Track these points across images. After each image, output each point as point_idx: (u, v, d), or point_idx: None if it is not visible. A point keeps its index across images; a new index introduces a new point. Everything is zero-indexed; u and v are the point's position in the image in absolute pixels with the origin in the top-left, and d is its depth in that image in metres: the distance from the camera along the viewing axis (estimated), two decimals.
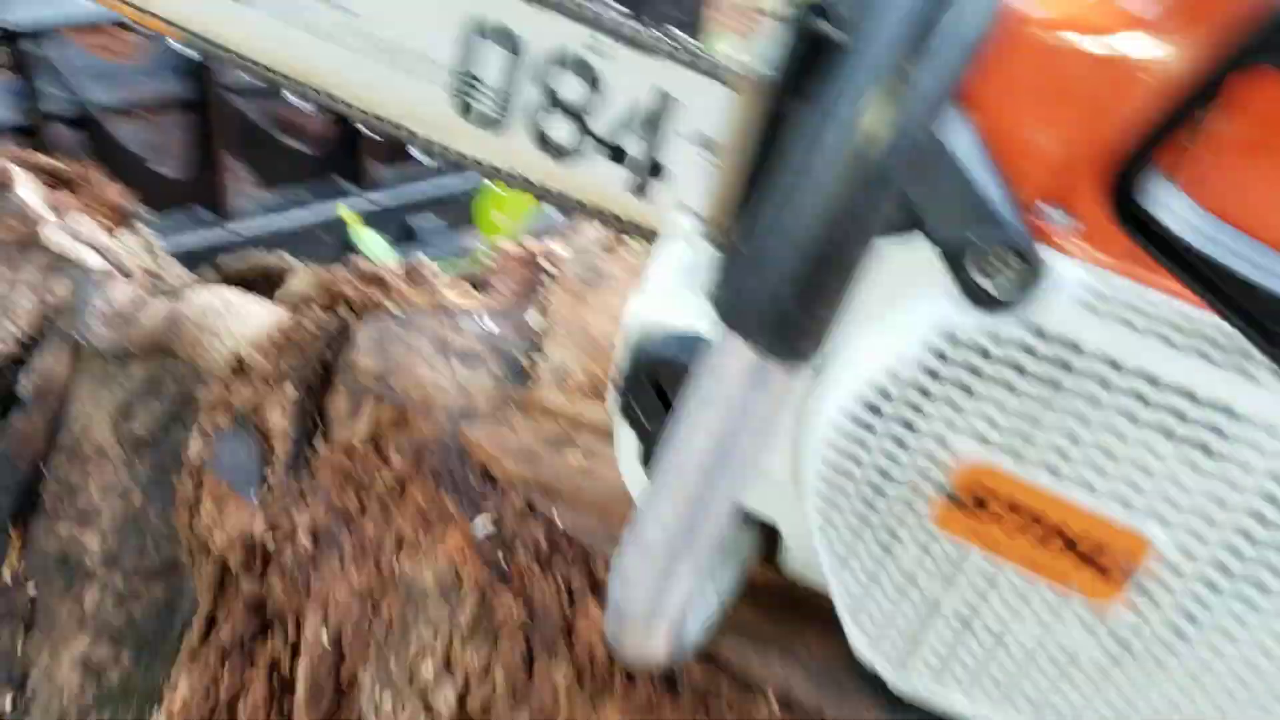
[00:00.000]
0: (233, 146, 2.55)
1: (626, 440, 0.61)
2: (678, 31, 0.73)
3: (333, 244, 2.47)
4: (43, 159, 1.16)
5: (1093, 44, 0.44)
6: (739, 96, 0.53)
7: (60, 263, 1.05)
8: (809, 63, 0.50)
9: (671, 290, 0.57)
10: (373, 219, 2.52)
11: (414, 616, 0.70)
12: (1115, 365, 0.45)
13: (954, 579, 0.52)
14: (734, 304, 0.40)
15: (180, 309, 0.97)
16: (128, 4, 0.87)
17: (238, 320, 0.94)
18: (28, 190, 1.11)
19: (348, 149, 2.67)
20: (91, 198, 1.15)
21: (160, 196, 2.27)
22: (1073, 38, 0.44)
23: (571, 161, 0.79)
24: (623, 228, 0.80)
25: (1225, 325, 0.43)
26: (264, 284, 1.06)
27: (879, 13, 0.38)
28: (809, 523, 0.54)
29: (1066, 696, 0.53)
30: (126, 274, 1.05)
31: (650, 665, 0.55)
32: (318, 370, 0.80)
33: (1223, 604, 0.47)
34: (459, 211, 2.63)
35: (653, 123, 0.76)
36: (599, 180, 0.79)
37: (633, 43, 0.74)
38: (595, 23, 0.74)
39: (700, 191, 0.58)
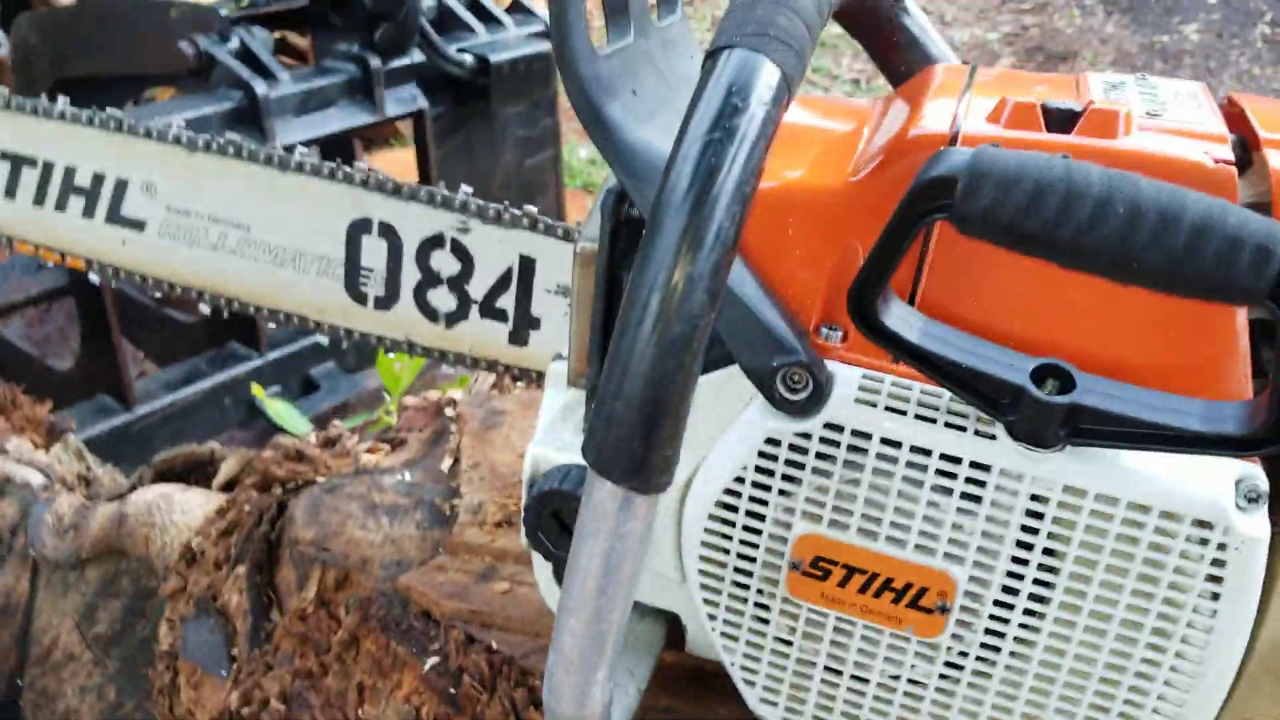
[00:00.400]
0: (124, 329, 2.60)
1: (540, 565, 0.72)
2: (530, 207, 0.86)
3: (236, 407, 2.53)
4: None
5: (820, 200, 0.58)
6: (578, 267, 0.66)
7: (5, 486, 1.13)
8: (620, 234, 0.64)
9: (557, 431, 0.69)
10: (273, 376, 2.59)
11: None
12: (895, 444, 0.58)
13: (818, 638, 0.64)
14: (598, 454, 0.52)
15: (124, 510, 1.06)
16: (47, 248, 0.98)
17: (180, 513, 1.03)
18: None
19: (237, 315, 2.72)
20: (21, 419, 1.23)
21: (59, 390, 2.30)
22: (808, 198, 0.58)
23: (457, 325, 0.92)
24: (510, 373, 0.92)
25: (962, 399, 0.56)
26: (197, 474, 1.15)
27: (658, 226, 0.50)
28: (698, 610, 0.66)
29: (930, 717, 0.65)
30: (70, 486, 1.14)
31: None
32: (262, 548, 0.90)
33: (1015, 620, 0.60)
34: (358, 355, 2.71)
35: (523, 283, 0.88)
36: (483, 337, 0.91)
37: (496, 220, 0.87)
38: (462, 209, 0.87)
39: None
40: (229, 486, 1.10)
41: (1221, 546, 0.56)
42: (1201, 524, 0.56)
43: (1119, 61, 4.73)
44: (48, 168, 0.97)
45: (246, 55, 2.45)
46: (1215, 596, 0.57)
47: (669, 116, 0.65)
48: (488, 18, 2.78)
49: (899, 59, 0.77)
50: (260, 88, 2.36)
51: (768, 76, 0.50)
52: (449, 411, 1.05)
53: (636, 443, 0.50)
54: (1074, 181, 0.48)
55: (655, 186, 0.54)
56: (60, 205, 0.97)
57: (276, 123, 2.31)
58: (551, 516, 0.67)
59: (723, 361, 0.62)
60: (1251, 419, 0.52)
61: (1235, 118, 0.64)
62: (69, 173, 0.96)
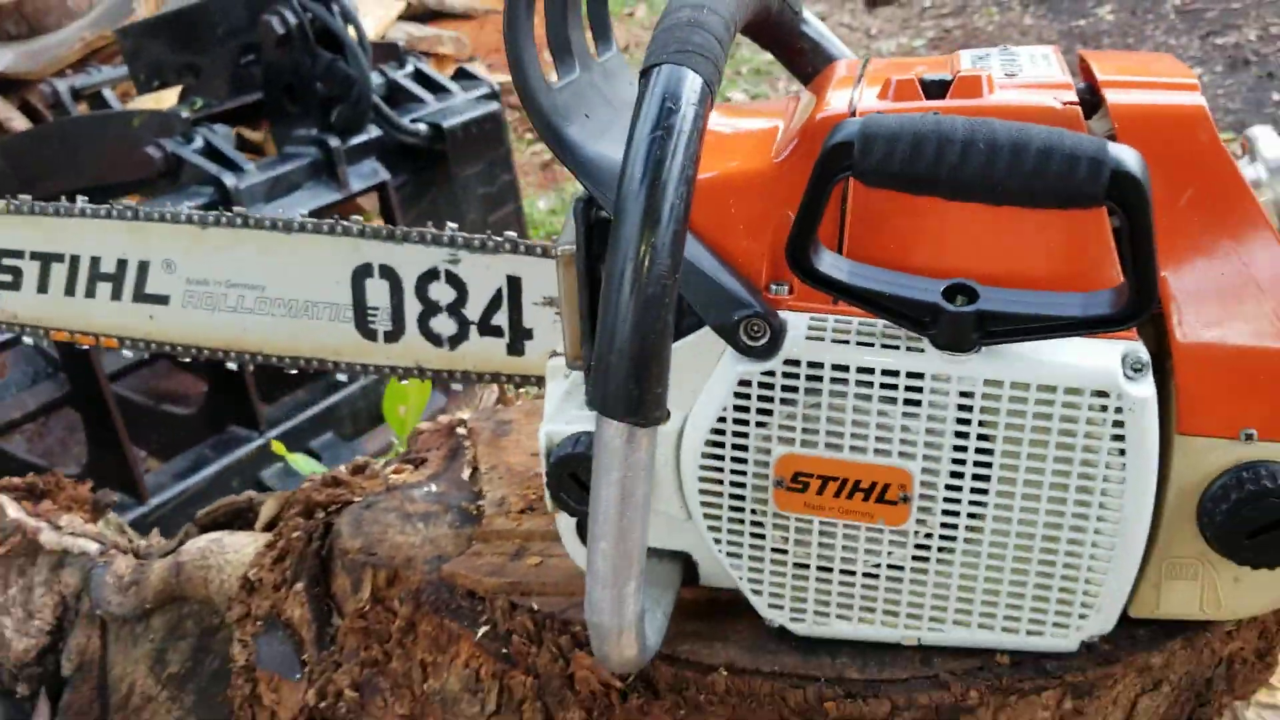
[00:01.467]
0: (126, 430, 2.69)
1: (565, 525, 0.84)
2: (510, 233, 0.99)
3: (243, 487, 2.62)
4: (15, 480, 1.35)
5: (753, 182, 0.71)
6: (561, 268, 0.79)
7: (65, 558, 1.23)
8: (593, 236, 0.77)
9: (563, 410, 0.81)
10: (275, 456, 2.68)
11: (455, 718, 0.91)
12: (844, 368, 0.70)
13: (807, 542, 0.76)
14: (603, 400, 0.63)
15: (179, 560, 1.17)
16: (82, 333, 1.10)
17: (232, 552, 1.14)
18: (14, 509, 1.29)
19: (235, 399, 2.81)
20: (68, 498, 1.34)
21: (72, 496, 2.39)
22: (743, 182, 0.71)
23: (459, 346, 1.04)
24: (512, 382, 1.04)
25: (892, 323, 0.69)
26: (239, 522, 1.26)
27: (623, 212, 0.63)
28: (706, 540, 0.78)
29: (905, 600, 0.77)
30: (123, 550, 1.24)
31: (630, 668, 0.76)
32: (316, 564, 1.01)
33: (965, 499, 0.72)
34: (354, 423, 2.82)
35: (513, 300, 1.00)
36: (483, 353, 1.03)
37: (482, 249, 0.99)
38: (451, 243, 0.99)
39: (560, 335, 0.83)
40: (270, 526, 1.21)
41: (1119, 410, 0.68)
42: (1099, 394, 0.68)
43: None
44: (74, 260, 1.08)
45: (212, 152, 2.58)
46: (1122, 452, 0.69)
47: (618, 133, 0.78)
48: (435, 87, 2.93)
49: (804, 61, 0.90)
50: (229, 180, 2.49)
51: (692, 83, 0.63)
52: (460, 430, 1.16)
53: (632, 385, 0.63)
54: (943, 130, 0.61)
55: (614, 190, 0.67)
56: (90, 293, 1.09)
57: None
58: (570, 478, 0.78)
59: (694, 327, 0.74)
60: (1118, 300, 0.65)
61: (1086, 71, 0.78)
62: (95, 262, 1.08)
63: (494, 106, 2.97)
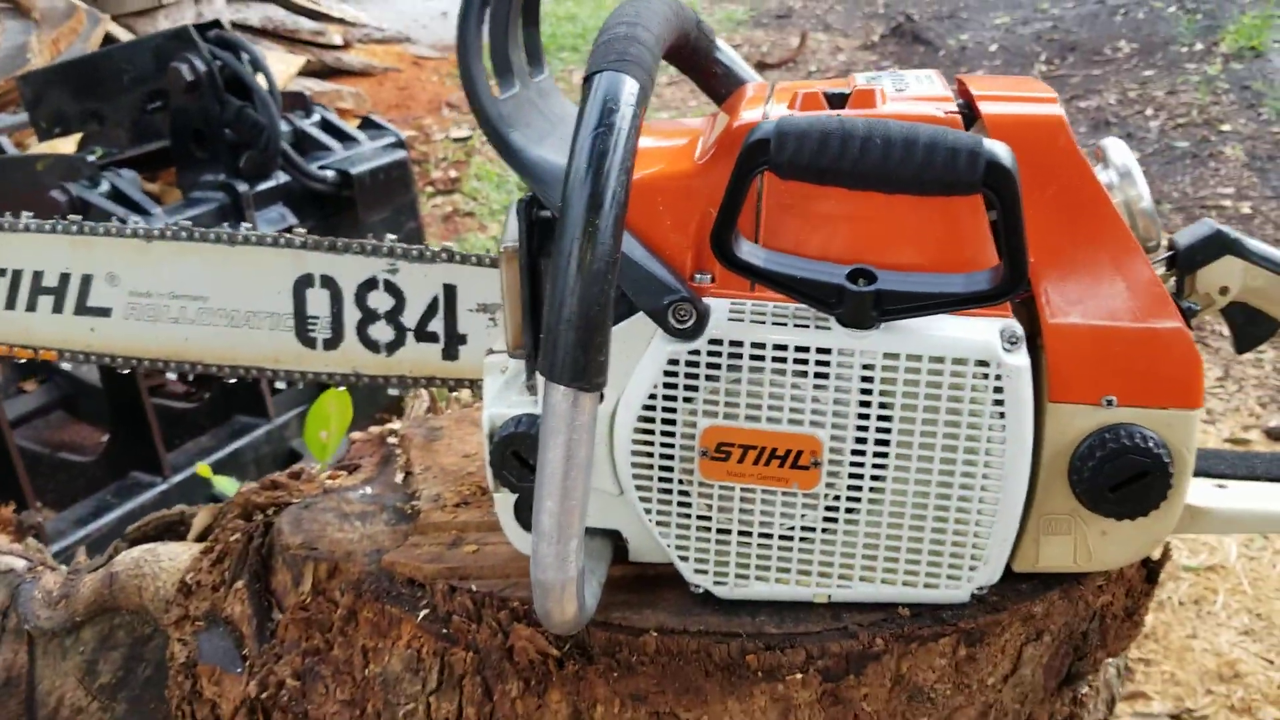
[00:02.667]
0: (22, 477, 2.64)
1: (504, 505, 0.90)
2: (448, 244, 1.06)
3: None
4: None
5: (678, 182, 0.80)
6: (504, 263, 0.86)
7: None
8: (534, 232, 0.84)
9: (505, 395, 0.88)
10: (179, 497, 2.66)
11: (396, 698, 0.95)
12: (761, 345, 0.79)
13: (729, 508, 0.84)
14: (551, 366, 0.71)
15: (112, 570, 1.19)
16: (21, 346, 1.12)
17: (167, 559, 1.16)
18: None
19: (138, 444, 2.79)
20: None
21: None
22: (669, 182, 0.80)
23: (396, 352, 1.10)
24: (445, 385, 1.10)
25: (802, 304, 0.78)
26: (169, 536, 1.29)
27: (569, 199, 0.71)
28: (636, 511, 0.85)
29: (816, 560, 0.85)
30: (51, 567, 1.26)
31: (569, 627, 0.82)
32: (257, 560, 1.05)
33: (869, 463, 0.81)
34: (258, 468, 2.81)
35: (448, 307, 1.07)
36: (419, 358, 1.10)
37: (419, 259, 1.06)
38: (390, 254, 1.06)
39: (495, 339, 0.90)
40: (202, 537, 1.24)
41: (998, 378, 0.78)
42: (981, 363, 0.78)
43: None
44: (16, 274, 1.12)
45: (118, 196, 2.58)
46: (1002, 416, 0.79)
47: (554, 141, 0.87)
48: (342, 136, 2.98)
49: (718, 84, 1.00)
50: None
51: (630, 87, 0.72)
52: (391, 440, 1.22)
53: (578, 353, 0.70)
54: (846, 128, 0.71)
55: (557, 186, 0.76)
56: (31, 306, 1.12)
57: None
58: (512, 455, 0.85)
59: (625, 315, 0.82)
60: (995, 279, 0.75)
61: (963, 90, 0.89)
62: (37, 276, 1.11)
63: (401, 155, 3.04)
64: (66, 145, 3.05)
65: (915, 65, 5.63)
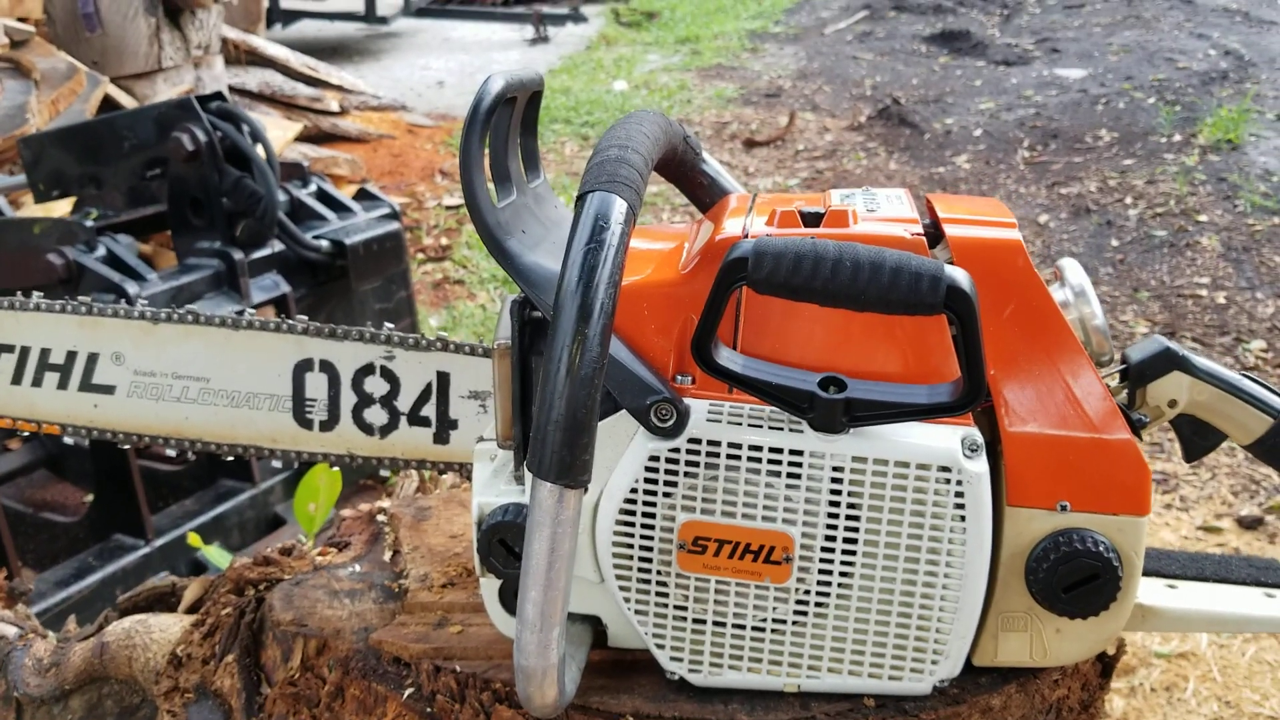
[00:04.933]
0: (5, 537, 2.65)
1: (489, 590, 0.94)
2: (442, 333, 1.11)
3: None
4: None
5: (663, 290, 0.85)
6: (496, 359, 0.91)
7: None
8: (525, 331, 0.90)
9: (492, 484, 0.92)
10: (161, 563, 2.68)
11: None
12: (737, 445, 0.84)
13: (704, 599, 0.88)
14: (539, 464, 0.75)
15: (103, 640, 1.22)
16: (25, 420, 1.16)
17: (159, 631, 1.19)
18: None
19: (122, 507, 2.79)
20: None
21: None
22: (654, 290, 0.86)
23: (389, 434, 1.14)
24: (435, 469, 1.15)
25: (777, 408, 0.83)
26: (159, 606, 1.31)
27: (561, 308, 0.76)
28: (616, 600, 0.90)
29: (787, 651, 0.89)
30: (41, 635, 1.28)
31: (549, 711, 0.85)
32: (248, 635, 1.08)
33: (837, 559, 0.86)
34: (241, 533, 2.83)
35: (441, 393, 1.12)
36: (412, 442, 1.14)
37: (415, 347, 1.11)
38: (387, 341, 1.11)
39: (485, 425, 0.95)
40: (193, 609, 1.27)
41: (959, 483, 0.83)
42: (944, 469, 0.83)
43: None
44: (24, 351, 1.16)
45: (114, 260, 2.63)
46: (963, 519, 0.84)
47: (548, 246, 0.92)
48: (338, 206, 3.05)
49: (704, 194, 1.07)
50: (131, 288, 2.55)
51: (619, 206, 0.78)
52: (380, 518, 1.26)
53: (565, 451, 0.75)
54: (818, 250, 0.77)
55: (549, 291, 0.81)
56: (36, 382, 1.16)
57: None
58: (499, 543, 0.90)
59: (609, 412, 0.87)
60: (956, 391, 0.81)
61: (931, 210, 0.96)
62: (44, 353, 1.15)
63: (394, 226, 3.10)
64: (62, 207, 3.10)
65: (901, 147, 5.77)
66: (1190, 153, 5.18)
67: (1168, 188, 4.87)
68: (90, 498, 2.91)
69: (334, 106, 5.84)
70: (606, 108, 6.51)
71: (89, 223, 2.76)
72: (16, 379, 1.17)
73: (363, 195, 3.20)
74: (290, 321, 1.12)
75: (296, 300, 2.90)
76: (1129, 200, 4.82)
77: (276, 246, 2.82)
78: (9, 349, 1.16)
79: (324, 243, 2.90)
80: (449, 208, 5.14)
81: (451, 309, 4.16)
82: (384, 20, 8.72)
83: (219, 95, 2.77)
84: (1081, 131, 5.69)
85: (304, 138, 5.46)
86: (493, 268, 4.46)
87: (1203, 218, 4.58)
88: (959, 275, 0.75)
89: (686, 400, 0.85)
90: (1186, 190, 4.81)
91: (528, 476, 0.88)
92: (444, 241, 4.81)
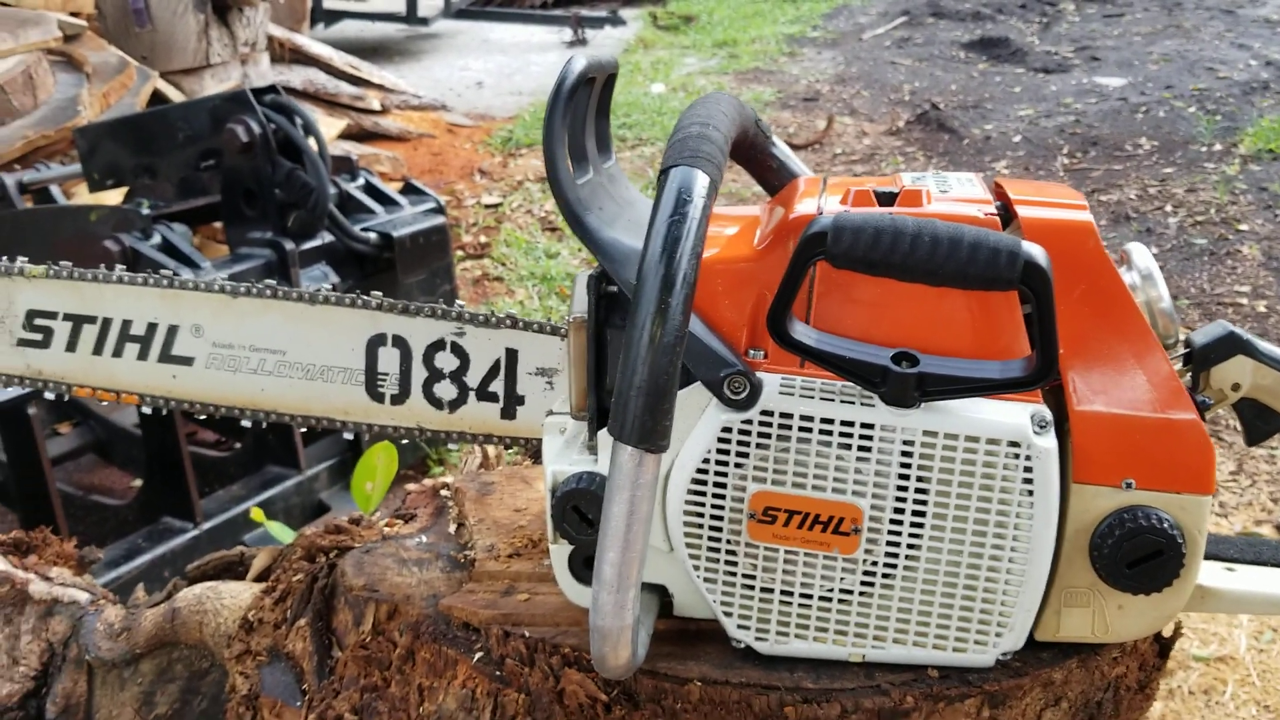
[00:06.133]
0: (59, 518, 2.71)
1: (559, 557, 0.97)
2: (511, 311, 1.14)
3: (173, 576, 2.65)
4: (2, 536, 1.42)
5: (737, 266, 0.88)
6: (572, 332, 0.94)
7: (54, 606, 1.30)
8: (601, 305, 0.92)
9: (566, 454, 0.95)
10: (209, 545, 2.72)
11: None
12: (809, 418, 0.86)
13: (773, 569, 0.90)
14: (621, 428, 0.78)
15: (175, 605, 1.25)
16: (105, 390, 1.20)
17: (229, 597, 1.23)
18: (1, 562, 1.36)
19: (173, 490, 2.85)
20: (55, 555, 1.41)
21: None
22: (729, 266, 0.88)
23: (458, 409, 1.17)
24: (501, 443, 1.17)
25: (849, 382, 0.85)
26: (227, 575, 1.35)
27: (645, 278, 0.78)
28: (685, 568, 0.92)
29: (856, 621, 0.91)
30: (112, 601, 1.32)
31: (622, 672, 0.88)
32: (320, 601, 1.11)
33: (906, 531, 0.88)
34: (287, 518, 2.87)
35: (509, 370, 1.15)
36: (480, 417, 1.17)
37: (485, 324, 1.14)
38: (458, 318, 1.14)
39: (551, 401, 0.98)
40: (261, 577, 1.30)
41: (1028, 459, 0.85)
42: (1013, 444, 0.85)
43: None
44: (106, 322, 1.20)
45: (169, 248, 2.68)
46: (1030, 494, 0.86)
47: (624, 223, 0.95)
48: (385, 199, 3.09)
49: (773, 177, 1.09)
50: (186, 276, 2.59)
51: (701, 181, 0.80)
52: (444, 492, 1.29)
53: (646, 416, 0.77)
54: (897, 225, 0.79)
55: (626, 266, 0.84)
56: (117, 353, 1.20)
57: None
58: (572, 510, 0.92)
59: (685, 384, 0.90)
60: (1028, 367, 0.83)
61: (1000, 193, 0.97)
62: (125, 325, 1.19)
63: (440, 220, 3.14)
64: (114, 198, 3.16)
65: (940, 153, 5.76)
66: (1231, 162, 5.15)
67: (1208, 196, 4.85)
68: (138, 482, 2.97)
69: (376, 105, 5.90)
70: (644, 110, 6.54)
71: (144, 211, 2.81)
72: (98, 349, 1.21)
73: (409, 189, 3.24)
74: (365, 297, 1.15)
75: (344, 292, 2.94)
76: (1169, 208, 4.80)
77: (326, 238, 2.86)
78: (91, 320, 1.20)
79: (372, 235, 2.95)
80: (488, 206, 5.19)
81: (489, 304, 4.20)
82: (424, 21, 8.79)
83: (273, 88, 2.82)
84: (1121, 139, 5.67)
85: (346, 135, 5.53)
86: (531, 265, 4.50)
87: (1243, 226, 4.55)
88: (1036, 251, 0.77)
89: (759, 374, 0.88)
90: (1227, 199, 4.78)
91: (604, 444, 0.91)
92: (483, 239, 4.85)
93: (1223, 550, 1.02)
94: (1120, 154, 5.49)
